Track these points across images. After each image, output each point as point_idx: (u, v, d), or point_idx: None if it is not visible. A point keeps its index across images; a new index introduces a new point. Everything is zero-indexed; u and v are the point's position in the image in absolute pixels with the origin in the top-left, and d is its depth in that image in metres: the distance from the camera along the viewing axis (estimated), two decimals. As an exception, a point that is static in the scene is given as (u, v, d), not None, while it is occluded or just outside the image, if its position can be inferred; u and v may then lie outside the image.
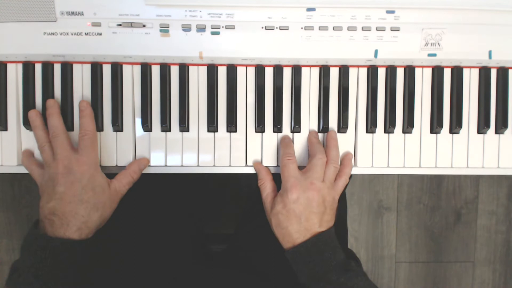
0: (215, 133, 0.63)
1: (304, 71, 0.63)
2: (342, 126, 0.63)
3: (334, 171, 0.59)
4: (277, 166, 0.63)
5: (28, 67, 0.61)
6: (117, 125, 0.61)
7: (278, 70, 0.63)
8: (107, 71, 0.61)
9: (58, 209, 0.53)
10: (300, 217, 0.55)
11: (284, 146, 0.61)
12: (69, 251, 0.53)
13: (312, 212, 0.55)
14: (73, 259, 0.53)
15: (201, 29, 0.59)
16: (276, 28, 0.59)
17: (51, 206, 0.53)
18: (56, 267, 0.52)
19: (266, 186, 0.60)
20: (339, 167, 0.60)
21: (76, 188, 0.54)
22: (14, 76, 0.61)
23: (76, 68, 0.61)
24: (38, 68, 0.61)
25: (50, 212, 0.53)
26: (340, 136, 0.63)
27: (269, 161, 0.63)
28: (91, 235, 0.56)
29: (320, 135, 0.64)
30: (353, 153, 0.64)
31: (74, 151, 0.57)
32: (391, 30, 0.60)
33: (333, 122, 0.64)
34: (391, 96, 0.64)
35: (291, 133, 0.63)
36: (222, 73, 0.62)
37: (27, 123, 0.60)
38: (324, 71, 0.63)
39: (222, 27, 0.59)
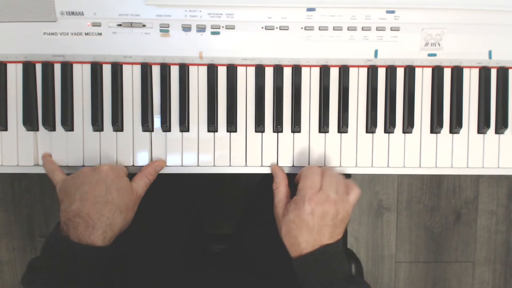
0: (215, 133, 0.63)
1: (304, 71, 0.63)
2: (342, 126, 0.63)
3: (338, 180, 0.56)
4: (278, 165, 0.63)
5: (28, 67, 0.61)
6: (117, 125, 0.61)
7: (278, 70, 0.63)
8: (107, 71, 0.61)
9: (83, 211, 0.52)
10: (312, 229, 0.54)
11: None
12: (90, 257, 0.52)
13: (326, 225, 0.54)
14: (92, 264, 0.53)
15: (201, 29, 0.59)
16: (276, 28, 0.59)
17: (75, 207, 0.52)
18: (75, 271, 0.52)
19: (280, 192, 0.58)
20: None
21: (101, 188, 0.54)
22: (14, 76, 0.61)
23: (76, 68, 0.61)
24: (38, 68, 0.61)
25: (74, 214, 0.52)
26: (340, 136, 0.63)
27: (269, 161, 0.63)
28: (113, 240, 0.55)
29: (322, 135, 0.64)
30: (354, 153, 0.64)
31: None
32: (391, 30, 0.60)
33: (333, 122, 0.64)
34: (391, 96, 0.64)
35: (292, 133, 0.63)
36: (222, 73, 0.62)
37: (27, 123, 0.60)
38: (324, 71, 0.63)
39: (222, 27, 0.59)
